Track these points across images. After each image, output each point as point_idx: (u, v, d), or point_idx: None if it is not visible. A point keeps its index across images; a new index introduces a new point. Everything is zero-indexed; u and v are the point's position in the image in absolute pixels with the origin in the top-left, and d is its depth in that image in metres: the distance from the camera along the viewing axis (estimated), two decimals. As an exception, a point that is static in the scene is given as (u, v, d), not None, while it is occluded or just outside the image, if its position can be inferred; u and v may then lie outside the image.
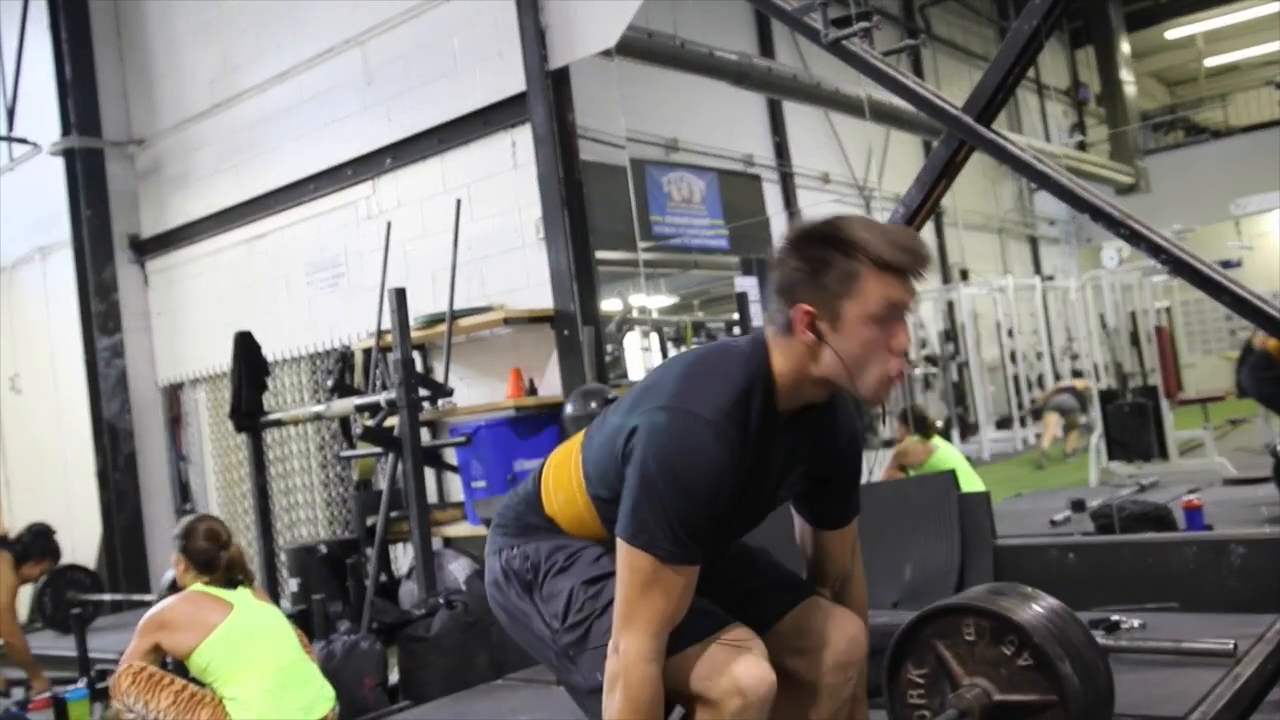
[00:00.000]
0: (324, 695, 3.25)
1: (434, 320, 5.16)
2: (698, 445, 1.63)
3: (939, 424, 5.91)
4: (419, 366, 5.42)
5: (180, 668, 3.21)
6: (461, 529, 5.23)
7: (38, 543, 5.70)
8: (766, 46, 9.17)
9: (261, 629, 3.22)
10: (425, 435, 5.16)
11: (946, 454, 5.54)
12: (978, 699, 1.98)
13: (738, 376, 1.69)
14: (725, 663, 1.69)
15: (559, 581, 1.83)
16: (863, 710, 1.99)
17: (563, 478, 1.88)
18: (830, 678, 1.88)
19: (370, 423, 4.74)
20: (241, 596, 3.26)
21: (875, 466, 6.87)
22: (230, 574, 3.31)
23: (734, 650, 1.71)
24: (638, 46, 6.06)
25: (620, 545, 1.68)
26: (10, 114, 7.59)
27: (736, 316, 8.34)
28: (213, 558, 3.29)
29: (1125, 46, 15.92)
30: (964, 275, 12.47)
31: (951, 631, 2.05)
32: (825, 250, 1.66)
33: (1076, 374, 9.32)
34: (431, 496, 5.41)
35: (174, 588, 3.47)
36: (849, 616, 1.93)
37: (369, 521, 5.07)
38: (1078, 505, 5.07)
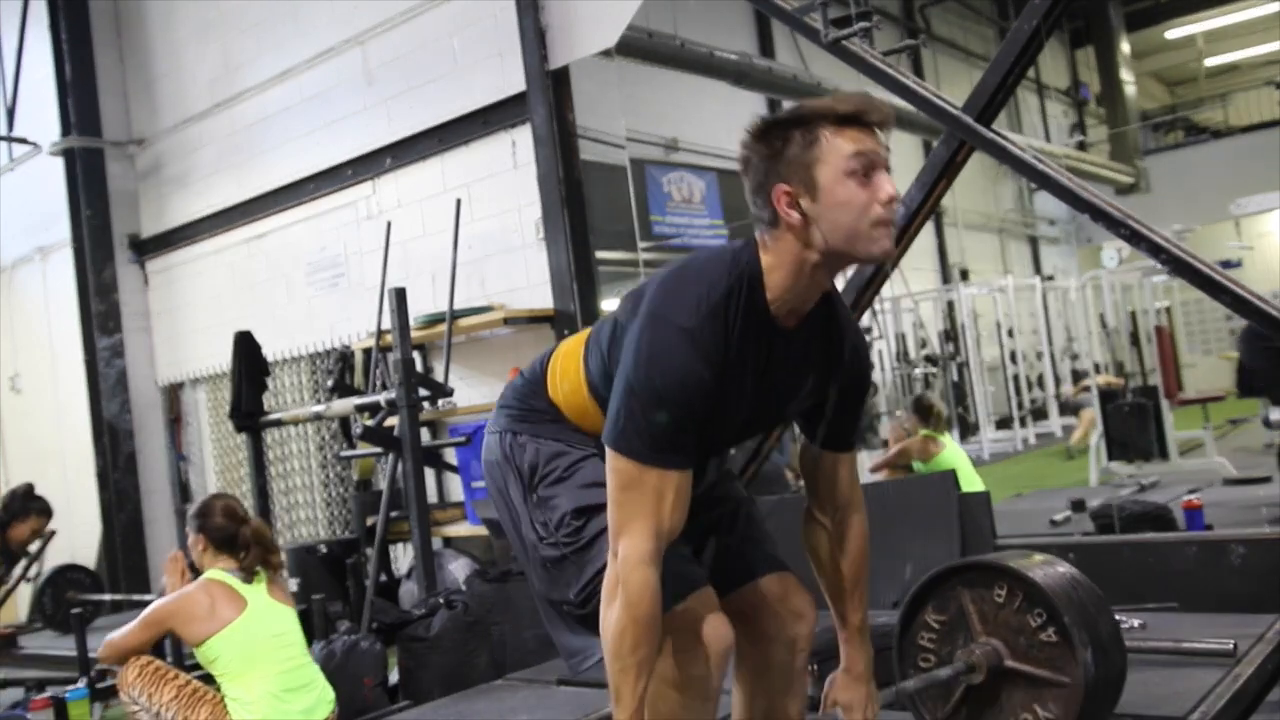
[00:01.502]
0: (325, 699, 3.25)
1: (434, 320, 5.16)
2: (673, 353, 1.63)
3: (944, 412, 5.89)
4: (419, 366, 5.42)
5: (178, 658, 3.20)
6: (461, 529, 5.23)
7: (18, 502, 5.57)
8: (766, 46, 9.19)
9: (272, 631, 3.19)
10: (425, 435, 5.16)
11: (952, 453, 5.54)
12: (988, 657, 1.96)
13: (720, 279, 1.68)
14: (693, 620, 1.73)
15: (553, 494, 1.85)
16: (804, 681, 2.00)
17: (570, 368, 1.89)
18: (779, 650, 1.92)
19: (370, 423, 4.74)
20: (257, 593, 3.22)
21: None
22: (252, 554, 3.26)
23: (701, 608, 1.74)
24: (638, 46, 6.07)
25: (608, 455, 1.69)
26: (10, 114, 7.59)
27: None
28: (233, 534, 3.25)
29: (1125, 46, 15.92)
30: (964, 275, 12.49)
31: (982, 586, 2.02)
32: (782, 131, 1.68)
33: (1096, 369, 9.32)
34: (431, 496, 5.42)
35: (192, 569, 3.45)
36: (798, 592, 1.94)
37: (369, 521, 5.07)
38: (1078, 505, 5.07)
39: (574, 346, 1.91)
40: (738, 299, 1.67)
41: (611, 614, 1.65)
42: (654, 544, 1.64)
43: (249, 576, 3.25)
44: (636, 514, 1.64)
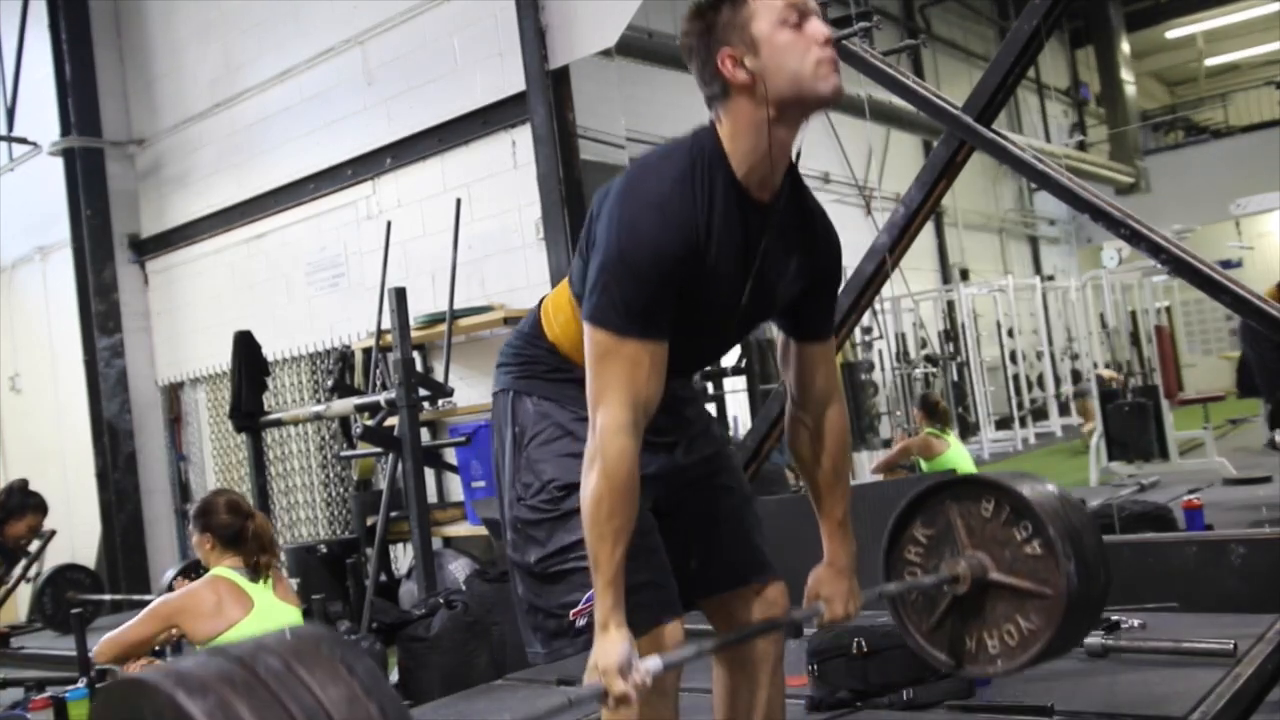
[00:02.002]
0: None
1: (434, 320, 5.16)
2: (643, 223, 1.66)
3: (949, 411, 5.90)
4: (419, 366, 5.42)
5: (178, 654, 3.18)
6: (461, 529, 5.23)
7: (14, 498, 5.57)
8: (766, 46, 9.16)
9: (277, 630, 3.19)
10: (425, 435, 5.16)
11: (956, 452, 5.55)
12: (972, 569, 1.98)
13: (683, 154, 1.73)
14: (657, 638, 1.75)
15: (541, 457, 1.87)
16: (782, 672, 2.02)
17: (561, 300, 1.93)
18: (759, 645, 1.95)
19: (370, 423, 4.74)
20: (263, 592, 3.21)
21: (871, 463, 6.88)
22: (257, 550, 3.25)
23: (668, 634, 1.77)
24: (638, 46, 6.07)
25: (585, 328, 1.72)
26: (10, 114, 7.59)
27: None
28: (238, 530, 3.23)
29: (1125, 46, 15.91)
30: (964, 275, 12.48)
31: (970, 500, 2.04)
32: (713, 5, 1.72)
33: (1107, 365, 9.31)
34: (431, 496, 5.41)
35: (196, 568, 3.43)
36: (777, 585, 1.97)
37: (369, 521, 5.07)
38: (1078, 505, 5.07)
39: (561, 285, 1.95)
40: (704, 170, 1.71)
41: (589, 482, 1.67)
42: (631, 413, 1.67)
43: (255, 575, 3.23)
44: (613, 384, 1.67)
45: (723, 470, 2.04)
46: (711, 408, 6.22)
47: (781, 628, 2.06)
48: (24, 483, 5.71)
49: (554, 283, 5.04)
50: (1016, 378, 11.00)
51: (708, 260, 1.70)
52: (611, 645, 1.62)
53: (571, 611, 1.79)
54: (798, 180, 1.86)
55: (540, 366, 1.93)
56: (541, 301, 2.00)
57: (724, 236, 1.72)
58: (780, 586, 1.99)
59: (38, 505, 5.71)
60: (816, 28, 1.69)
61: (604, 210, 1.72)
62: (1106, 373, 8.53)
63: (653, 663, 1.61)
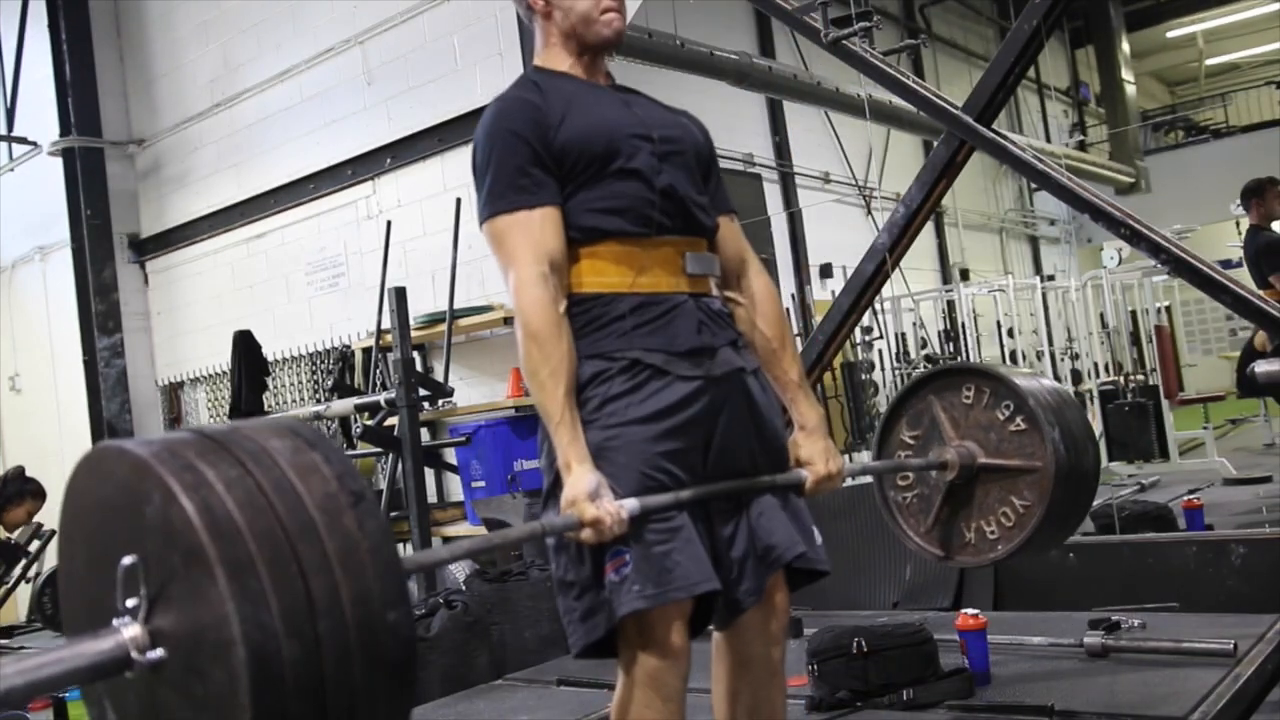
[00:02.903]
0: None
1: (434, 320, 5.16)
2: (489, 118, 1.83)
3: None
4: (419, 366, 5.42)
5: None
6: (461, 529, 5.23)
7: (11, 485, 5.58)
8: (767, 46, 9.17)
9: None
10: (425, 435, 5.16)
11: None
12: (961, 456, 1.99)
13: (522, 74, 1.95)
14: (665, 622, 1.72)
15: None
16: (783, 674, 2.00)
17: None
18: (756, 645, 1.92)
19: (370, 422, 4.74)
20: None
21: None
22: None
23: (675, 613, 1.73)
24: (638, 46, 6.06)
25: (484, 228, 1.81)
26: (10, 114, 7.59)
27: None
28: None
29: (1125, 46, 15.90)
30: (964, 275, 12.46)
31: (950, 390, 2.04)
32: None
33: (1119, 366, 9.31)
34: (431, 496, 5.41)
35: None
36: (781, 589, 1.93)
37: (369, 521, 5.06)
38: (1078, 505, 5.07)
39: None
40: (532, 78, 1.89)
41: (520, 343, 1.72)
42: (539, 266, 1.73)
43: None
44: (515, 249, 1.75)
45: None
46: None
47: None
48: (20, 470, 5.72)
49: (554, 283, 5.04)
50: (1016, 378, 10.99)
51: (569, 115, 1.81)
52: (578, 479, 1.65)
53: (606, 566, 1.72)
54: (639, 92, 2.03)
55: (579, 319, 1.85)
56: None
57: (581, 97, 1.86)
58: (776, 577, 1.94)
59: (36, 491, 5.72)
60: None
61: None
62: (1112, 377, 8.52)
63: (630, 503, 1.64)
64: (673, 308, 1.81)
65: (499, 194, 1.77)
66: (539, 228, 1.75)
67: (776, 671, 1.97)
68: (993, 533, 1.98)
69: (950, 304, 10.96)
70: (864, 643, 2.78)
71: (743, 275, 1.98)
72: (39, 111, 7.33)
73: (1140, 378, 7.64)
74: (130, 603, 1.00)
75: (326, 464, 1.03)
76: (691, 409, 1.77)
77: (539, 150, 1.77)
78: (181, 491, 0.94)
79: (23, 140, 7.37)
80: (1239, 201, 5.62)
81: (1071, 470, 1.92)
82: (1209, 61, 17.63)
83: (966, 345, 10.49)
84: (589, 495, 1.62)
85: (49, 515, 6.90)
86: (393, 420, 4.62)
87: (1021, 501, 1.93)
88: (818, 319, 5.56)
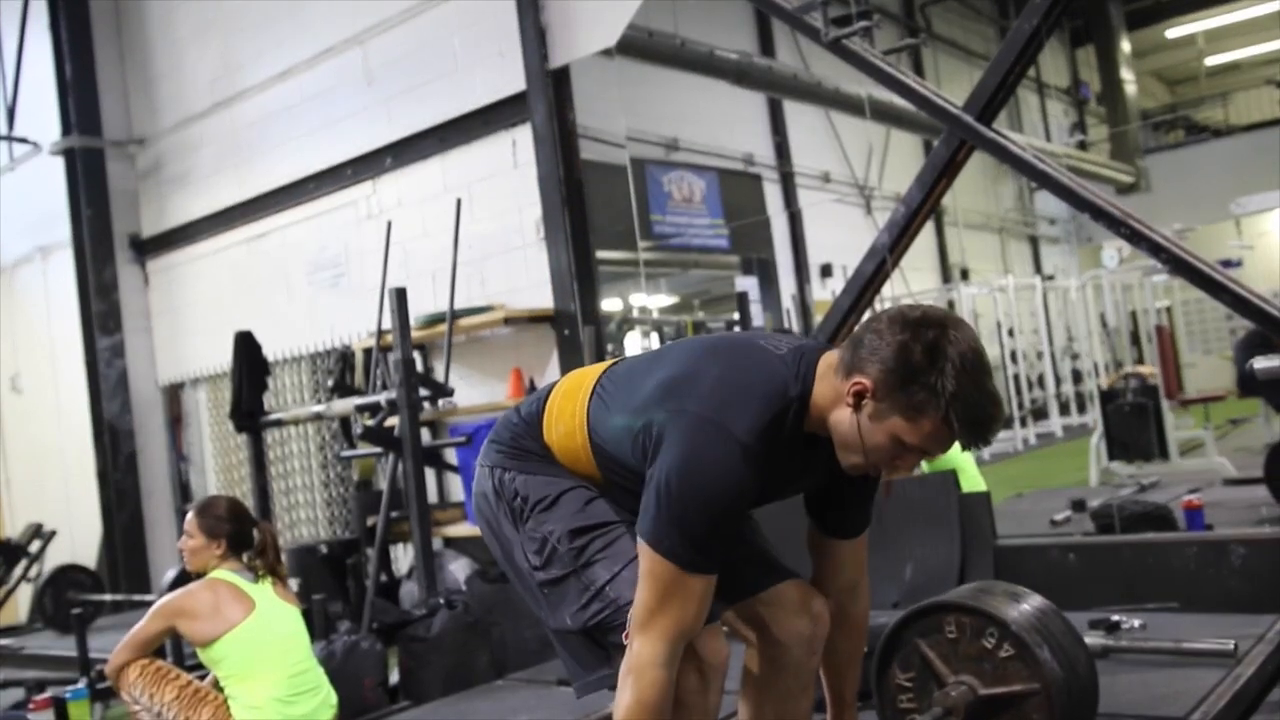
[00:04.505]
0: (328, 702, 3.23)
1: (434, 320, 5.16)
2: (729, 466, 1.64)
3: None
4: (419, 366, 5.42)
5: (179, 659, 3.17)
6: (461, 529, 5.23)
7: None
8: (767, 46, 9.17)
9: (279, 633, 3.16)
10: (425, 435, 5.16)
11: (955, 452, 5.52)
12: (963, 696, 2.00)
13: (777, 400, 1.70)
14: (699, 645, 1.76)
15: (544, 520, 1.85)
16: (813, 682, 2.02)
17: (567, 411, 1.88)
18: (796, 651, 1.93)
19: (370, 423, 4.74)
20: (263, 593, 3.19)
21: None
22: (275, 559, 3.24)
23: (707, 636, 1.77)
24: (638, 46, 6.06)
25: (642, 547, 1.69)
26: (10, 114, 7.59)
27: (737, 316, 8.34)
28: (247, 535, 3.23)
29: (1126, 45, 15.89)
30: (964, 275, 12.47)
31: (934, 630, 2.07)
32: (925, 367, 1.63)
33: (1139, 361, 9.29)
34: (431, 496, 5.41)
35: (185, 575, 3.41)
36: (816, 596, 1.96)
37: (369, 521, 5.07)
38: (1078, 505, 5.07)
39: (574, 386, 1.91)
40: (792, 418, 1.71)
41: (623, 700, 1.68)
42: (672, 649, 1.68)
43: (256, 576, 3.23)
44: (664, 614, 1.67)
45: None
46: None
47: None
48: None
49: (554, 283, 5.04)
50: (1017, 378, 10.99)
51: (764, 490, 1.73)
52: None
53: (623, 635, 1.75)
54: None
55: (535, 455, 1.91)
56: (548, 394, 1.95)
57: (782, 469, 1.75)
58: (808, 585, 1.99)
59: None
60: (911, 465, 1.75)
61: (684, 423, 1.67)
62: (1145, 369, 8.51)
63: None
64: None
65: (689, 546, 1.66)
66: (699, 601, 1.69)
67: (809, 679, 1.98)
68: None
69: (950, 304, 10.97)
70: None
71: (846, 591, 2.01)
72: (40, 111, 7.33)
73: (1150, 371, 7.61)
74: None
75: None
76: None
77: (738, 523, 1.75)
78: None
79: (23, 140, 7.37)
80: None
81: (1071, 683, 1.96)
82: (1209, 61, 17.60)
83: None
84: None
85: (49, 515, 6.91)
86: (393, 420, 4.61)
87: None
88: (818, 319, 5.57)
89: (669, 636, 1.67)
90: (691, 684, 1.75)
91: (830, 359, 1.73)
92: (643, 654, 1.67)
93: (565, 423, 1.87)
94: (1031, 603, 2.04)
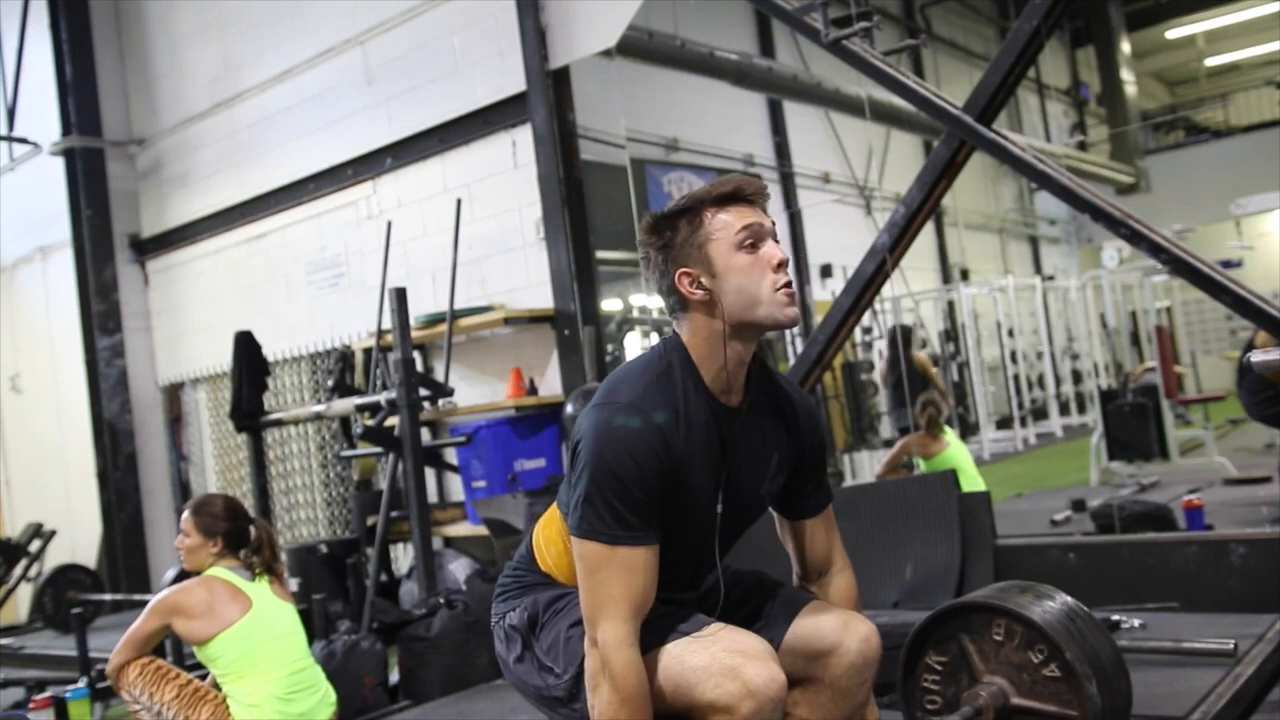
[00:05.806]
0: (327, 701, 3.23)
1: (434, 320, 5.16)
2: (619, 427, 1.69)
3: (944, 413, 5.86)
4: (419, 366, 5.42)
5: (178, 658, 3.16)
6: (462, 529, 5.23)
7: None
8: (767, 46, 9.17)
9: (277, 631, 3.16)
10: (425, 435, 5.16)
11: (955, 451, 5.53)
12: (994, 698, 1.97)
13: (654, 361, 1.79)
14: (734, 667, 1.66)
15: (553, 625, 1.86)
16: (874, 710, 1.97)
17: (551, 533, 1.92)
18: (845, 680, 1.86)
19: (370, 422, 4.74)
20: (260, 591, 3.19)
21: (875, 464, 6.87)
22: (271, 557, 3.24)
23: (739, 655, 1.69)
24: (638, 46, 6.06)
25: (573, 543, 1.73)
26: (10, 114, 7.59)
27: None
28: (244, 533, 3.23)
29: (1126, 46, 15.90)
30: (964, 275, 12.47)
31: (981, 628, 2.03)
32: (671, 221, 1.78)
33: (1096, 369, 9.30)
34: (432, 496, 5.41)
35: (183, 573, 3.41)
36: (859, 619, 1.90)
37: (369, 521, 5.07)
38: (1078, 505, 5.08)
39: (550, 514, 1.94)
40: (677, 376, 1.75)
41: (601, 699, 1.66)
42: (631, 625, 1.68)
43: (253, 574, 3.22)
44: (610, 595, 1.67)
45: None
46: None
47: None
48: None
49: (554, 283, 5.05)
50: (1017, 378, 10.99)
51: (683, 463, 1.72)
52: None
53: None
54: (765, 370, 1.88)
55: (540, 586, 1.93)
56: (531, 533, 1.98)
57: (699, 444, 1.74)
58: (847, 608, 1.95)
59: None
60: (771, 251, 1.74)
61: (581, 423, 1.73)
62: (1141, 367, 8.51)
63: None
64: None
65: (607, 519, 1.68)
66: (638, 577, 1.69)
67: (859, 707, 1.90)
68: None
69: (950, 304, 10.98)
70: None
71: (825, 572, 2.00)
72: (40, 112, 7.33)
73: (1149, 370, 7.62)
74: None
75: None
76: None
77: (657, 480, 1.70)
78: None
79: (24, 140, 7.36)
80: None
81: (1108, 714, 1.92)
82: (1209, 61, 17.60)
83: (967, 345, 10.50)
84: None
85: (49, 515, 6.91)
86: (393, 420, 4.61)
87: None
88: (818, 319, 5.57)
89: (623, 615, 1.67)
90: (746, 711, 1.65)
91: (675, 322, 1.82)
92: (607, 639, 1.66)
93: (554, 544, 1.90)
94: (1091, 631, 1.98)
